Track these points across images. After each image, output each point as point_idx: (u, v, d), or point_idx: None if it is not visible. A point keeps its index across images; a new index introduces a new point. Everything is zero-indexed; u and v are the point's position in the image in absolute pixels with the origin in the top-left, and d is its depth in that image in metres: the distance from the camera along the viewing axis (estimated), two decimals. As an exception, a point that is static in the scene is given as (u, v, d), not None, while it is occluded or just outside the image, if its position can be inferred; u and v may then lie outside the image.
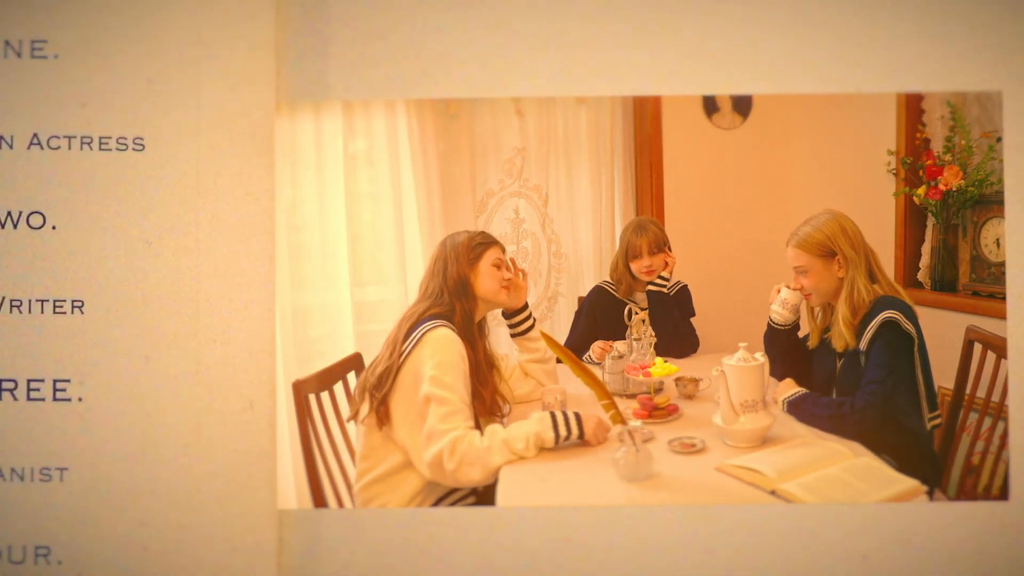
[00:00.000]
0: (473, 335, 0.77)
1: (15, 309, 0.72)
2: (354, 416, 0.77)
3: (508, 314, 0.82)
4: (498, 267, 0.77)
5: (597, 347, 0.83)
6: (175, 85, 0.73)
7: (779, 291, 0.81)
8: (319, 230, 0.78)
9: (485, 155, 0.79)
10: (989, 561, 0.73)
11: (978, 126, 0.75)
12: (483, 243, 0.77)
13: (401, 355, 0.74)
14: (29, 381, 0.72)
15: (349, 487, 0.78)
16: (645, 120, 0.78)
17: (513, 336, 0.83)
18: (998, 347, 0.77)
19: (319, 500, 0.77)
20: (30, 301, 0.72)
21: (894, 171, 0.78)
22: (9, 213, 0.73)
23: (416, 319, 0.75)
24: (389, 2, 0.76)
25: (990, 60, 0.74)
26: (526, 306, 0.80)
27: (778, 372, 0.84)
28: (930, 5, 0.75)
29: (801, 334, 0.85)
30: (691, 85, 0.74)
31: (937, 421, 0.79)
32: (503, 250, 0.79)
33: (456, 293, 0.75)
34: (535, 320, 0.81)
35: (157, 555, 0.74)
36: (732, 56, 0.76)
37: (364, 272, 0.78)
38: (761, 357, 0.81)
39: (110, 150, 0.74)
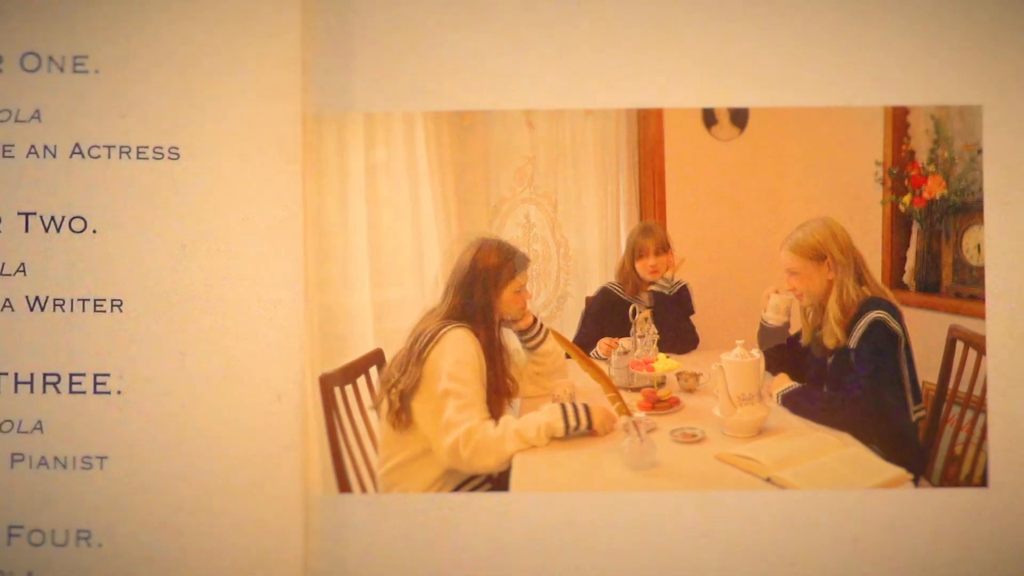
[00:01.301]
0: (489, 336, 0.81)
1: (58, 308, 0.75)
2: (376, 407, 0.82)
3: (519, 331, 0.87)
4: (518, 291, 0.82)
5: (604, 344, 0.86)
6: (208, 98, 0.76)
7: (769, 297, 0.84)
8: (342, 234, 0.80)
9: (498, 164, 0.81)
10: (970, 543, 0.75)
11: (960, 138, 0.78)
12: (510, 272, 0.80)
13: (422, 353, 0.79)
14: (71, 375, 0.74)
15: (372, 474, 0.81)
16: (648, 131, 0.80)
17: (525, 349, 0.88)
18: (978, 345, 0.78)
19: (344, 486, 0.79)
20: (72, 300, 0.75)
21: (881, 180, 0.79)
22: (52, 218, 0.76)
23: (439, 321, 0.80)
24: (408, 21, 0.78)
25: (970, 76, 0.76)
26: (535, 322, 0.84)
27: (773, 367, 0.86)
28: (915, 24, 0.77)
29: (793, 331, 0.87)
30: (691, 98, 0.77)
31: (921, 413, 0.81)
32: (527, 272, 0.83)
33: (478, 309, 0.80)
34: (545, 334, 0.85)
35: (191, 538, 0.77)
36: (730, 71, 0.78)
37: (384, 274, 0.81)
38: (757, 353, 0.83)
39: (147, 159, 0.77)
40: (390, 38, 0.83)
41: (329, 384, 0.78)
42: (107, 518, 0.77)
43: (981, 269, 0.77)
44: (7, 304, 0.78)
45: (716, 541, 0.78)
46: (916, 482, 0.79)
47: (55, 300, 0.79)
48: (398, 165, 0.78)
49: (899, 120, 0.77)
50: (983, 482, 0.81)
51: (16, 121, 0.78)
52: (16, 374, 0.77)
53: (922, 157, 0.78)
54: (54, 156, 0.79)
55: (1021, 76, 0.83)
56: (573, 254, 0.81)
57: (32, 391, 0.77)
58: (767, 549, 0.78)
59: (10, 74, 0.78)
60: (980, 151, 0.79)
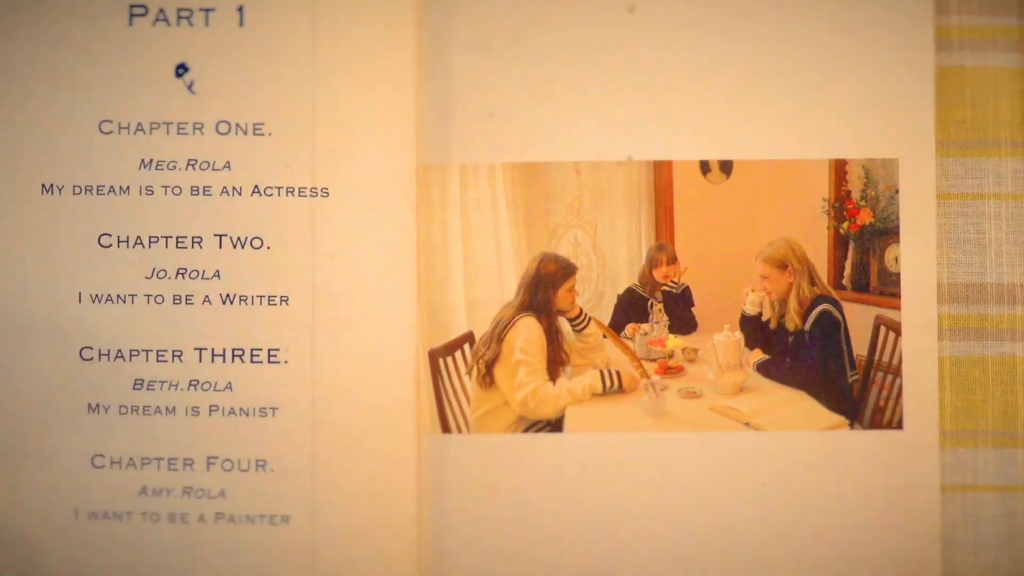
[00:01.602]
0: (549, 323, 0.89)
1: (242, 303, 0.85)
2: (469, 373, 0.87)
3: (570, 319, 0.92)
4: (569, 290, 0.88)
5: (630, 327, 0.92)
6: (348, 151, 0.85)
7: (747, 294, 0.90)
8: (443, 250, 0.87)
9: (555, 201, 0.88)
10: (889, 468, 0.84)
11: (883, 182, 0.85)
12: (564, 277, 0.88)
13: (501, 334, 0.87)
14: (252, 349, 0.85)
15: (465, 420, 0.87)
16: (661, 177, 0.88)
17: (574, 331, 0.93)
18: (895, 328, 0.84)
19: (445, 428, 0.86)
20: (252, 296, 0.85)
21: (827, 212, 0.87)
22: (239, 238, 0.85)
23: (513, 311, 0.87)
24: (491, 95, 0.86)
25: (891, 137, 0.84)
26: (581, 312, 0.90)
27: (750, 344, 0.92)
28: (852, 99, 0.85)
29: (765, 318, 0.92)
30: (692, 153, 0.86)
31: (855, 377, 0.87)
32: (575, 277, 0.90)
33: (540, 303, 0.88)
34: (588, 321, 0.91)
35: (335, 465, 0.86)
36: (719, 133, 0.86)
37: (474, 278, 0.88)
38: (739, 335, 0.91)
39: (305, 196, 0.86)
40: (478, 107, 0.88)
41: (435, 356, 0.86)
42: (277, 451, 0.86)
43: (897, 275, 0.85)
44: (207, 299, 0.86)
45: (709, 467, 0.86)
46: (852, 426, 0.85)
47: (240, 297, 0.86)
48: (484, 201, 0.86)
49: (840, 169, 0.84)
50: (899, 426, 0.85)
51: (212, 170, 0.86)
52: (212, 349, 0.86)
53: (856, 195, 0.85)
54: (239, 194, 0.87)
55: (926, 137, 0.86)
56: (608, 264, 0.89)
57: (224, 361, 0.86)
58: (746, 473, 0.86)
59: (209, 137, 0.86)
60: (897, 191, 0.85)
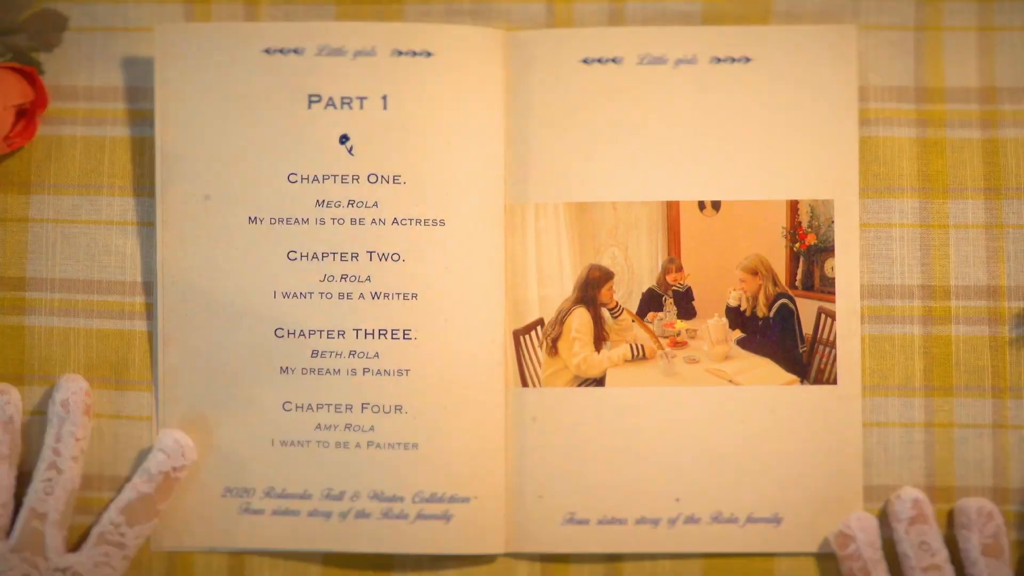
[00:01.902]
0: (595, 312, 0.96)
1: (385, 298, 0.96)
2: (540, 345, 0.96)
3: (609, 309, 0.98)
4: (609, 289, 0.95)
5: (650, 315, 1.00)
6: (456, 193, 0.96)
7: (731, 292, 0.97)
8: (524, 261, 0.98)
9: (599, 228, 0.99)
10: (827, 412, 0.93)
11: (825, 215, 0.96)
12: (605, 280, 0.96)
13: (563, 319, 0.96)
14: (392, 330, 0.93)
15: (538, 377, 0.97)
16: (672, 212, 0.98)
17: (612, 318, 0.98)
18: (832, 315, 0.95)
19: (524, 383, 0.97)
20: (392, 294, 0.96)
21: (785, 236, 0.97)
22: (383, 254, 0.95)
23: (570, 304, 0.96)
24: (554, 153, 0.95)
25: (830, 183, 0.96)
26: (617, 305, 0.97)
27: (732, 327, 1.00)
28: (802, 154, 0.94)
29: (742, 309, 0.99)
30: (691, 195, 0.97)
31: (804, 349, 0.96)
32: (613, 280, 0.97)
33: (589, 298, 0.95)
34: (622, 311, 0.98)
35: (450, 414, 0.97)
36: (711, 180, 0.96)
37: (543, 280, 0.99)
38: (724, 320, 0.99)
39: (429, 226, 0.96)
40: (545, 163, 0.98)
41: (517, 335, 0.97)
42: (410, 399, 0.97)
43: (833, 279, 0.94)
44: (361, 295, 0.96)
45: (705, 411, 0.97)
46: (802, 382, 0.96)
47: (384, 294, 0.97)
48: (550, 229, 0.95)
49: (793, 206, 0.93)
50: (835, 382, 0.96)
51: (365, 207, 0.97)
52: (365, 329, 0.98)
53: (805, 224, 0.95)
54: (384, 224, 0.98)
55: (853, 185, 0.97)
56: (635, 272, 0.98)
57: (373, 338, 0.97)
58: (729, 415, 0.97)
59: (362, 185, 0.97)
60: (833, 222, 0.96)
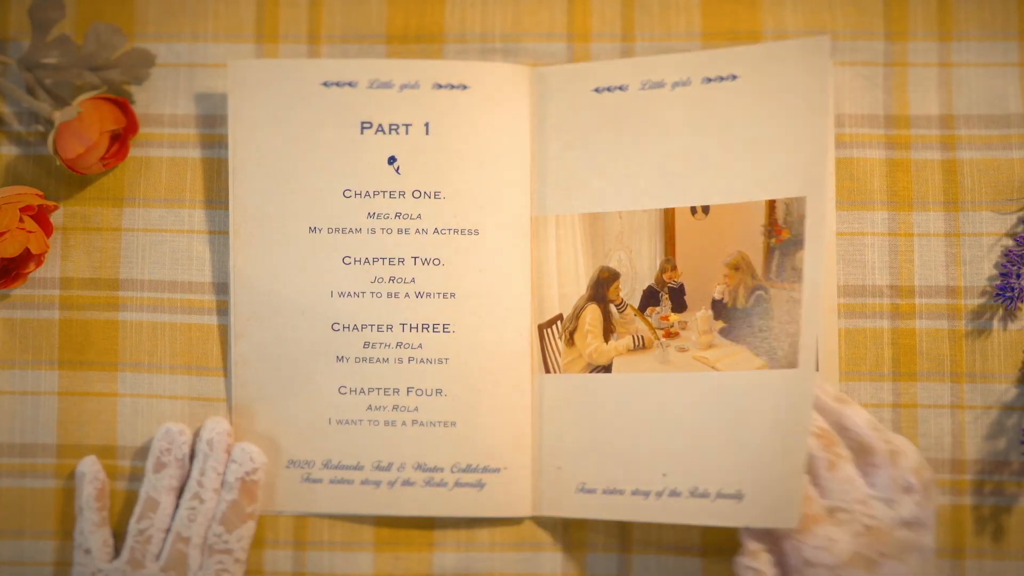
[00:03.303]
0: (604, 307, 1.03)
1: (428, 297, 1.04)
2: (560, 337, 1.04)
3: (616, 305, 1.04)
4: (616, 288, 1.02)
5: (649, 309, 1.06)
6: (489, 207, 1.03)
7: (716, 287, 1.02)
8: (546, 265, 1.05)
9: (608, 234, 1.05)
10: (788, 394, 0.97)
11: (797, 211, 1.00)
12: (613, 280, 1.03)
13: (578, 314, 1.03)
14: (433, 324, 1.02)
15: (558, 364, 1.04)
16: (669, 218, 1.04)
17: (618, 313, 1.04)
18: (798, 301, 0.98)
19: (547, 370, 1.05)
20: (433, 293, 1.04)
21: (763, 233, 1.02)
22: (426, 259, 1.03)
23: (584, 301, 1.03)
24: (571, 171, 1.01)
25: (799, 176, 0.98)
26: (622, 301, 1.04)
27: (716, 318, 1.05)
28: (783, 166, 0.97)
29: (725, 302, 1.04)
30: (684, 201, 1.01)
31: (771, 335, 1.01)
32: (620, 279, 1.04)
33: (599, 296, 1.02)
34: (626, 306, 1.04)
35: (481, 397, 1.04)
36: (701, 188, 0.98)
37: (562, 280, 1.06)
38: (710, 312, 1.06)
39: (464, 236, 1.04)
40: (563, 180, 1.05)
41: (541, 328, 1.03)
42: (449, 384, 1.04)
43: (801, 269, 0.99)
44: (407, 295, 1.03)
45: (693, 392, 1.01)
46: (769, 368, 0.99)
47: (427, 293, 1.05)
48: (568, 236, 0.99)
49: (770, 204, 0.95)
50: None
51: (410, 219, 1.04)
52: (410, 324, 1.04)
53: (780, 220, 1.00)
54: (427, 233, 1.05)
55: (821, 181, 0.99)
56: (637, 271, 1.04)
57: (417, 331, 1.04)
58: (713, 396, 1.01)
59: (408, 200, 1.05)
60: (804, 217, 0.97)
